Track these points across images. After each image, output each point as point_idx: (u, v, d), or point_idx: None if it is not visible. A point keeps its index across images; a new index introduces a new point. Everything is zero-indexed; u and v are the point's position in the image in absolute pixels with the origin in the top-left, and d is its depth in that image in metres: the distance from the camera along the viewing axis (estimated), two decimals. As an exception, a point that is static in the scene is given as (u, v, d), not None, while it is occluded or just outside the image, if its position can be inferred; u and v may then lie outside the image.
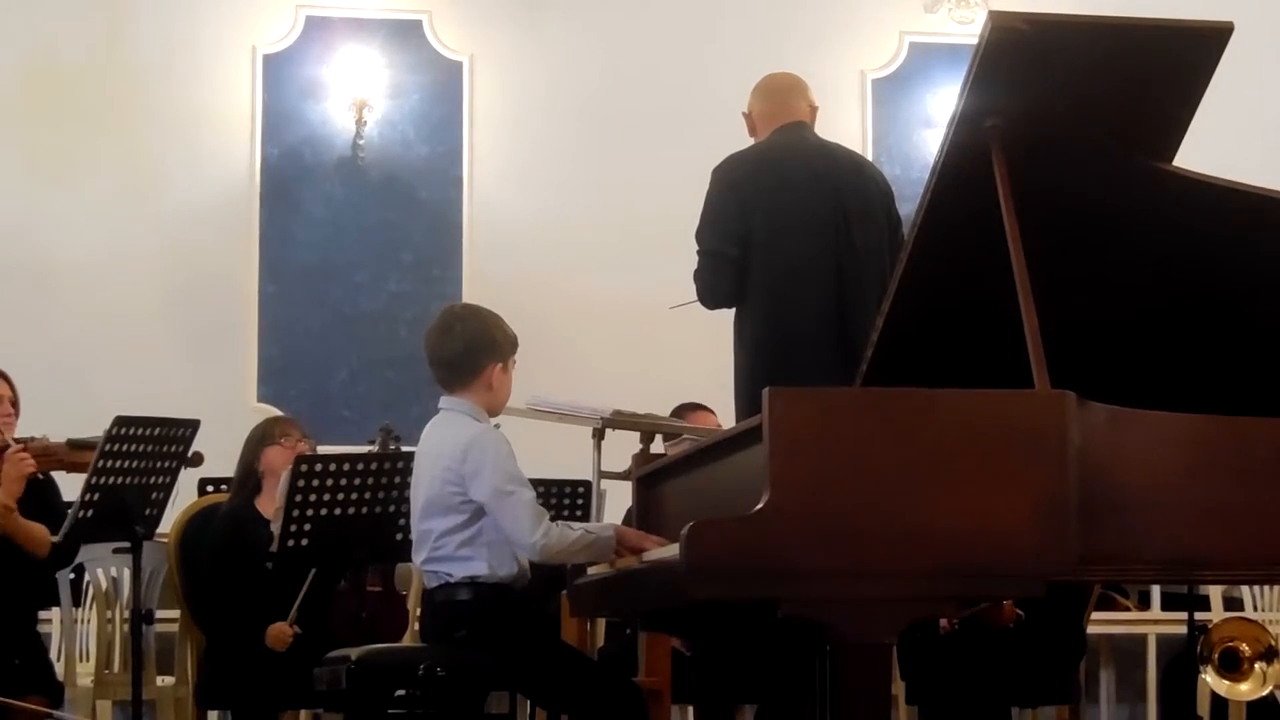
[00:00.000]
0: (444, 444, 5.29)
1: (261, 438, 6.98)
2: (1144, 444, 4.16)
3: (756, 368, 5.97)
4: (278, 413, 9.32)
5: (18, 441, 6.54)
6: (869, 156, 10.05)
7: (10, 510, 6.39)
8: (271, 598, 6.63)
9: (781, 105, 6.32)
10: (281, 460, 6.82)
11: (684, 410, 7.52)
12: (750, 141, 6.36)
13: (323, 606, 6.80)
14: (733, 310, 6.21)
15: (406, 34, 10.08)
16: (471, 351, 5.34)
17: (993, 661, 6.59)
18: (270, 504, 6.74)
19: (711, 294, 6.14)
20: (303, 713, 7.41)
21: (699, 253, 6.14)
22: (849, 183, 6.20)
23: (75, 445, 6.64)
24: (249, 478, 6.94)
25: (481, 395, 5.35)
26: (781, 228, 6.05)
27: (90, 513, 6.29)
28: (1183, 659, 7.95)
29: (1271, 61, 10.06)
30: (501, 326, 5.41)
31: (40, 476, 6.55)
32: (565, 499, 7.37)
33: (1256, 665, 7.23)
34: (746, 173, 6.13)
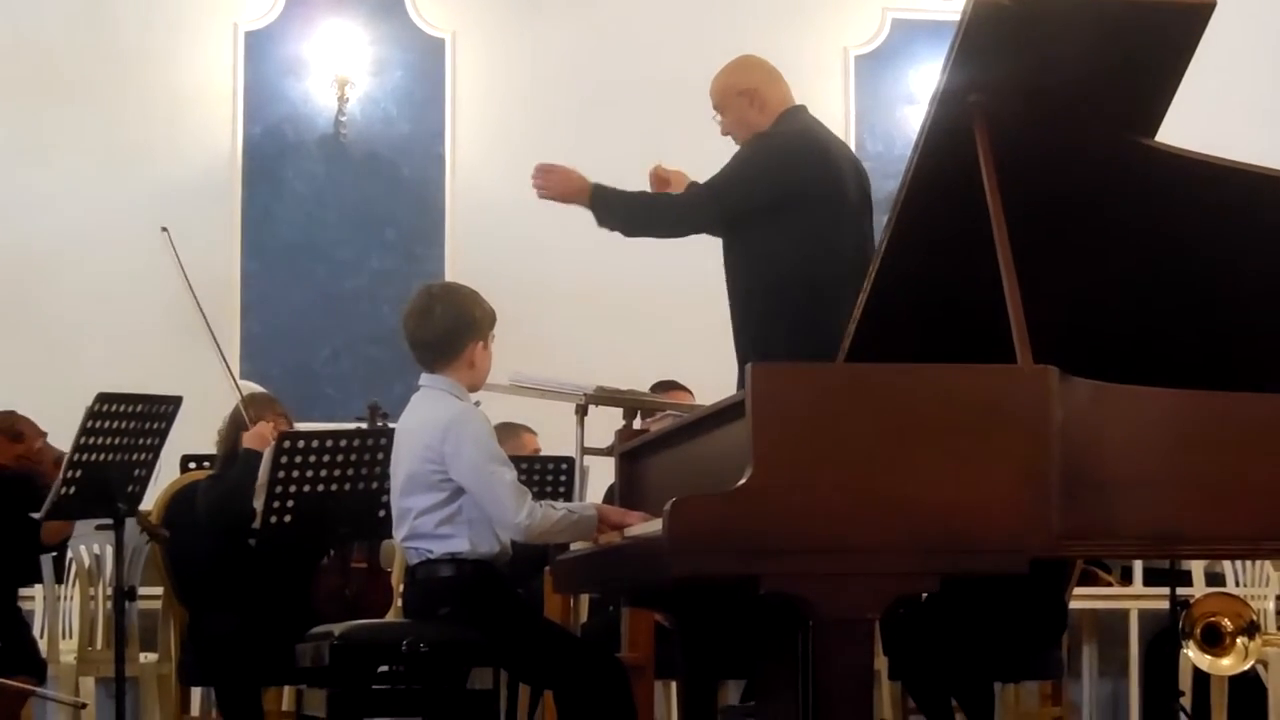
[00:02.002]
0: (424, 422, 5.29)
1: (238, 422, 6.94)
2: (1126, 419, 4.17)
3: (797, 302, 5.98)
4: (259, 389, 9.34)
5: None
6: (852, 134, 10.09)
7: None
8: (255, 575, 6.63)
9: (787, 87, 6.39)
10: (260, 441, 6.83)
11: (661, 389, 7.52)
12: (747, 120, 6.34)
13: (306, 583, 6.81)
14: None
15: (388, 10, 10.06)
16: (452, 332, 5.32)
17: (975, 637, 6.59)
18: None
19: (683, 223, 6.19)
20: (286, 689, 7.41)
21: (713, 192, 6.14)
22: (862, 171, 6.37)
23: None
24: (231, 458, 6.94)
25: (463, 373, 5.34)
26: (839, 208, 6.09)
27: (72, 490, 6.29)
28: (1165, 634, 7.97)
29: (1256, 37, 10.06)
30: (480, 303, 5.39)
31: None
32: (548, 476, 7.37)
33: (1238, 640, 7.25)
34: (805, 152, 6.16)
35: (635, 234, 6.28)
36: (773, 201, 6.09)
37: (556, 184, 6.33)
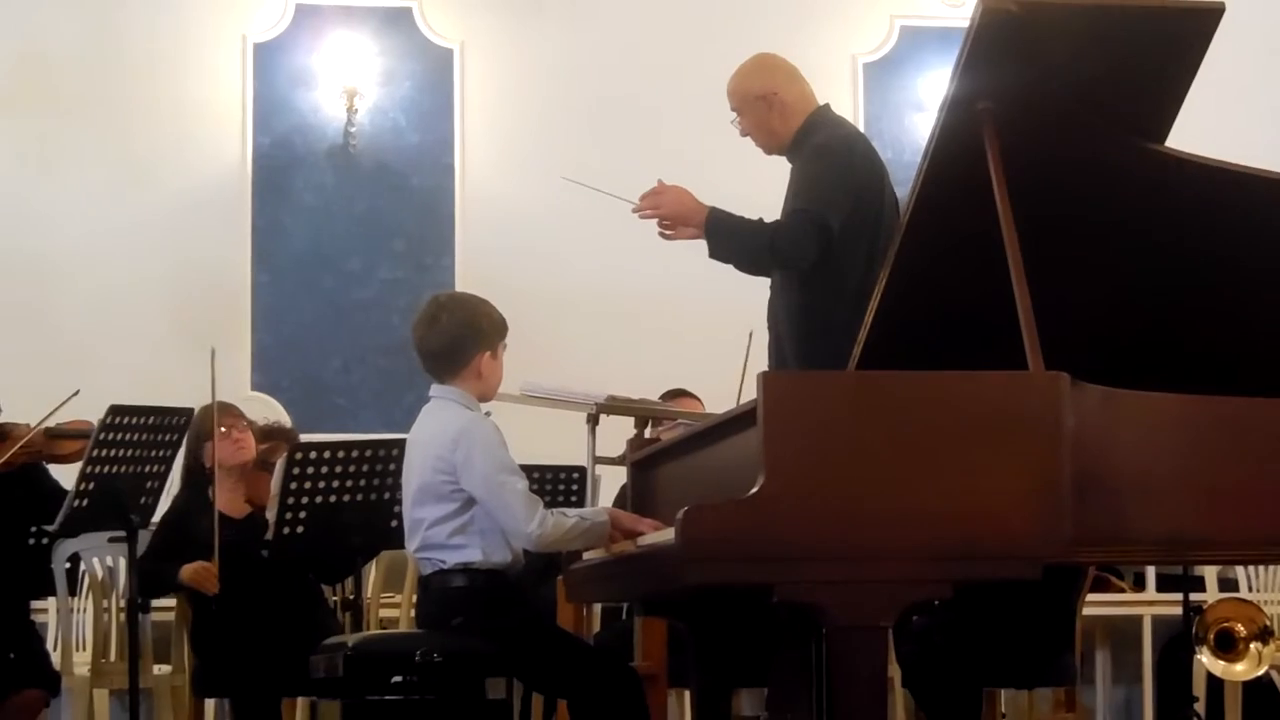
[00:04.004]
0: (435, 433, 5.29)
1: (198, 434, 6.83)
2: (1138, 425, 4.17)
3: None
4: (270, 400, 9.36)
5: None
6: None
7: None
8: (269, 586, 6.63)
9: (807, 86, 6.19)
10: (222, 452, 6.76)
11: (670, 397, 7.51)
12: (769, 125, 6.16)
13: (319, 594, 6.81)
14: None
15: (396, 21, 10.07)
16: (458, 341, 5.32)
17: (984, 644, 6.54)
18: (223, 495, 6.73)
19: (798, 257, 5.91)
20: (300, 701, 7.41)
21: (801, 212, 5.91)
22: None
23: (54, 435, 6.65)
24: (193, 472, 6.87)
25: (472, 383, 5.34)
26: (891, 214, 5.99)
27: (85, 502, 6.29)
28: (1178, 640, 7.96)
29: (1268, 40, 10.06)
30: (489, 313, 5.38)
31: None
32: (560, 485, 7.38)
33: (1252, 645, 7.24)
34: (865, 155, 6.07)
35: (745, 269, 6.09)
36: (862, 220, 5.94)
37: (670, 203, 5.96)
